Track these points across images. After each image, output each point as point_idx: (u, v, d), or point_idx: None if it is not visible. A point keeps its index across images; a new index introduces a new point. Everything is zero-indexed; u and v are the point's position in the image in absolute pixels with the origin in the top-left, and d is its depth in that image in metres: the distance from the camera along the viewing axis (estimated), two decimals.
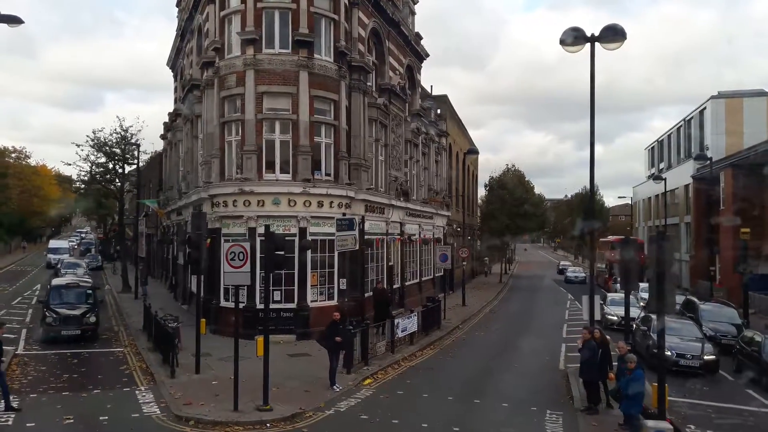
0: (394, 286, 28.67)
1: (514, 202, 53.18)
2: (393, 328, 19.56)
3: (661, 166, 72.08)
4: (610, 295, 30.56)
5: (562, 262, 67.64)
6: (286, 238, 21.21)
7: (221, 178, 22.60)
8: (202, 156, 25.32)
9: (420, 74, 34.57)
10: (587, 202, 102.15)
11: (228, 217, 22.05)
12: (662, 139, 71.15)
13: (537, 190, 63.53)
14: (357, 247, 20.00)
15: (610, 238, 59.77)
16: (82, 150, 37.21)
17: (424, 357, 20.18)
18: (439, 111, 40.62)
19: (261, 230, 21.00)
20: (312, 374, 16.59)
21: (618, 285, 45.49)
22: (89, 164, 37.76)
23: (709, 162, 34.01)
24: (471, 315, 31.11)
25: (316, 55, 22.23)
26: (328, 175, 22.68)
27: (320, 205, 21.77)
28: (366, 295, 24.41)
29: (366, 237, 23.93)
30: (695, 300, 27.09)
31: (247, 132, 21.70)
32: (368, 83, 25.59)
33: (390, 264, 27.98)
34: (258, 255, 20.16)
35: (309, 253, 21.47)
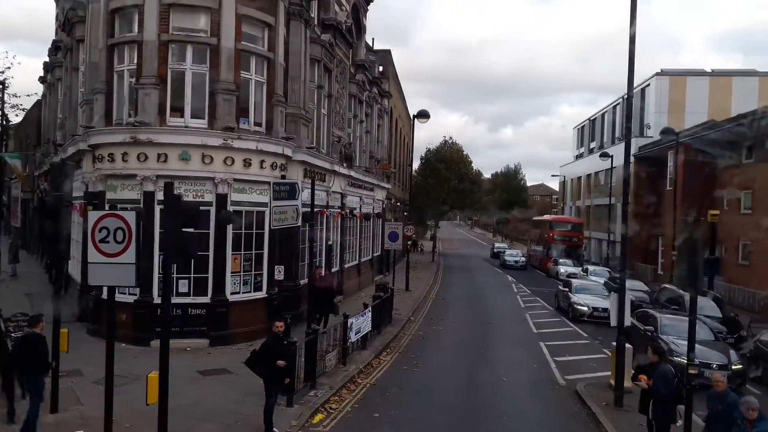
0: (333, 270, 23.53)
1: (452, 177, 49.11)
2: (346, 332, 14.49)
3: (592, 145, 70.57)
4: (577, 282, 26.90)
5: (497, 244, 64.15)
6: (199, 207, 15.64)
7: (107, 122, 16.45)
8: (83, 94, 18.92)
9: (366, 18, 29.13)
10: (510, 180, 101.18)
11: (115, 176, 15.99)
12: (595, 118, 69.48)
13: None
14: (298, 223, 14.77)
15: (547, 216, 57.17)
16: None
17: (384, 367, 15.28)
18: (381, 68, 35.41)
19: (162, 196, 15.29)
20: (235, 408, 11.31)
21: (560, 268, 42.64)
22: None
23: (675, 137, 30.96)
24: (418, 302, 26.56)
25: None
26: (258, 124, 17.07)
27: (247, 164, 16.17)
28: (301, 282, 19.17)
29: (306, 209, 18.55)
30: (677, 290, 23.75)
31: (145, 58, 15.64)
32: (311, 13, 19.99)
33: (329, 243, 22.78)
34: (157, 230, 14.58)
35: (230, 229, 15.93)
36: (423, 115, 29.22)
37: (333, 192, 22.84)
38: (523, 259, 47.30)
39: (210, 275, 15.81)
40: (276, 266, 15.13)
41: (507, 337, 20.37)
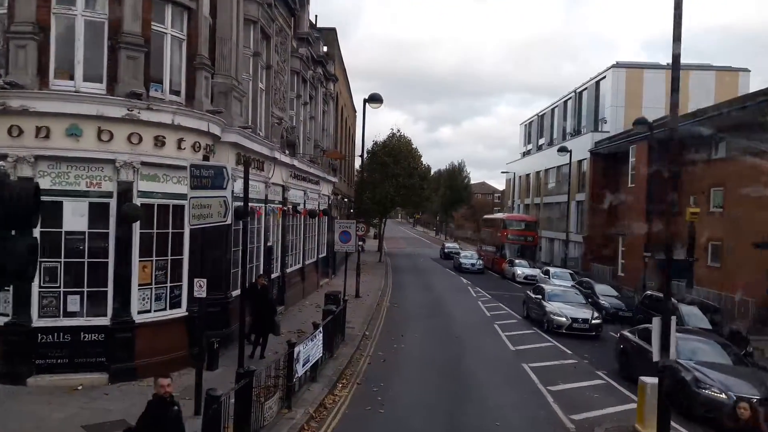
0: (273, 276, 19.90)
1: (400, 172, 45.99)
2: (292, 365, 10.94)
3: (541, 141, 69.16)
4: (550, 288, 24.13)
5: (447, 244, 61.13)
6: (95, 199, 11.84)
7: None
8: None
9: None
10: (454, 178, 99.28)
11: None
12: (543, 113, 68.03)
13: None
14: (227, 220, 11.13)
15: (500, 215, 54.97)
16: None
17: (341, 408, 11.83)
18: (326, 49, 31.80)
19: (46, 183, 11.42)
20: None
21: (516, 269, 40.14)
22: None
23: (649, 128, 28.73)
24: (372, 312, 23.23)
25: None
26: (175, 93, 13.27)
27: (160, 143, 12.36)
28: (233, 294, 15.49)
29: (239, 204, 14.85)
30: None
31: (19, 0, 11.63)
32: None
33: (269, 245, 19.11)
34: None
35: (137, 228, 12.11)
36: (375, 99, 25.81)
37: (273, 184, 19.20)
38: (480, 262, 44.34)
39: (110, 289, 11.93)
40: (196, 280, 11.31)
41: (482, 357, 17.27)
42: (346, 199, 37.54)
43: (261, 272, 17.32)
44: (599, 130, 47.88)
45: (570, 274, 34.47)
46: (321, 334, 13.13)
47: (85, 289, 11.84)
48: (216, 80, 14.52)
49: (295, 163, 21.56)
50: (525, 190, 66.61)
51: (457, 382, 14.28)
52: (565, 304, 22.01)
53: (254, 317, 14.46)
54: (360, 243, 27.34)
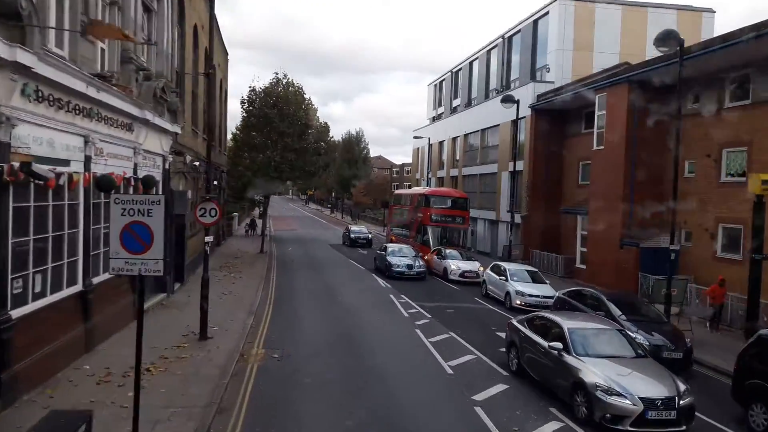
0: None
1: (288, 129, 33.57)
2: None
3: (455, 103, 59.06)
4: (570, 323, 12.76)
5: (352, 227, 48.01)
6: None
7: None
8: None
9: None
10: (352, 149, 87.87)
11: None
12: (459, 69, 57.80)
13: None
14: None
15: (419, 189, 43.82)
16: None
17: None
18: None
19: None
20: None
21: (449, 263, 29.41)
22: None
23: (679, 50, 18.38)
24: (221, 389, 11.17)
25: None
26: None
27: None
28: None
29: None
30: None
31: None
32: None
33: None
34: None
35: None
36: None
37: None
38: (421, 263, 29.00)
39: None
40: None
41: None
42: (198, 164, 24.64)
43: None
44: (541, 79, 38.01)
45: (530, 272, 24.09)
46: None
47: None
48: None
49: (30, 62, 8.81)
50: (437, 160, 56.35)
51: None
52: (609, 362, 11.11)
53: None
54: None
